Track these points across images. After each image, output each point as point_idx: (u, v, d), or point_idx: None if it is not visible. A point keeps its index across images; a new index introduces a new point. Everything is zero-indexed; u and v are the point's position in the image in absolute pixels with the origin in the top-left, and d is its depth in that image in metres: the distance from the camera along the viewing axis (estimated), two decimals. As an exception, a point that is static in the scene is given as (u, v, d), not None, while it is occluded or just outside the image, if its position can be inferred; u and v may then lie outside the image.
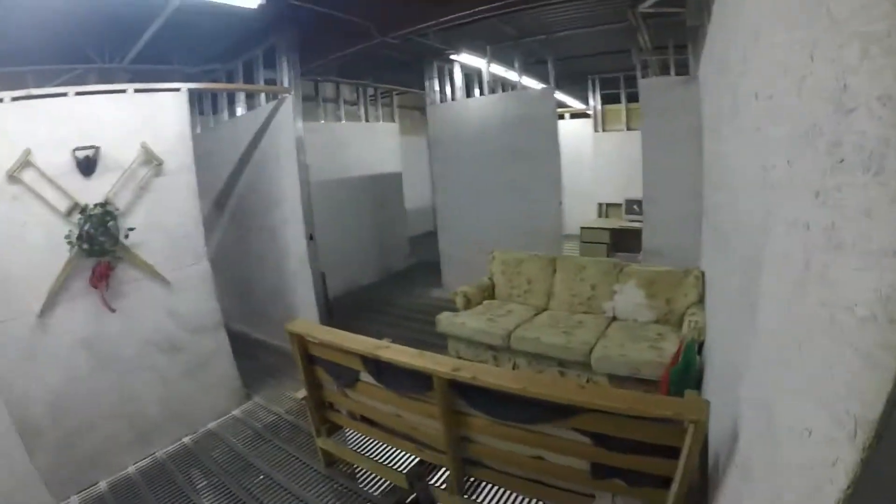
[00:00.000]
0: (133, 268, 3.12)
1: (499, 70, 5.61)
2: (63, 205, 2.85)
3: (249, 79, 4.57)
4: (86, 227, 2.87)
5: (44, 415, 2.78)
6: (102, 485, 2.93)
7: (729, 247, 1.96)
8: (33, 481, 2.65)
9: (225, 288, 4.21)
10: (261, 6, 3.28)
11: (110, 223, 2.96)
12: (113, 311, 3.01)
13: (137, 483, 2.93)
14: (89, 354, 2.97)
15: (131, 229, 3.06)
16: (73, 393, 2.88)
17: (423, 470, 2.48)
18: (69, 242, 2.83)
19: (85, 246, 2.86)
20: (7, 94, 2.77)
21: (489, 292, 4.62)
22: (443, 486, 2.38)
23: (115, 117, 3.08)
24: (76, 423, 2.89)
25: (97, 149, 2.98)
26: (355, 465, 2.86)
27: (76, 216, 2.88)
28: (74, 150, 2.91)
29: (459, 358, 3.60)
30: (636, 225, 5.73)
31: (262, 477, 2.88)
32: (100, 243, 2.91)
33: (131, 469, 3.07)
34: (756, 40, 1.35)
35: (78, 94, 2.99)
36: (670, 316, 3.61)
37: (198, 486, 2.84)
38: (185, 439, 3.36)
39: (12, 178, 2.71)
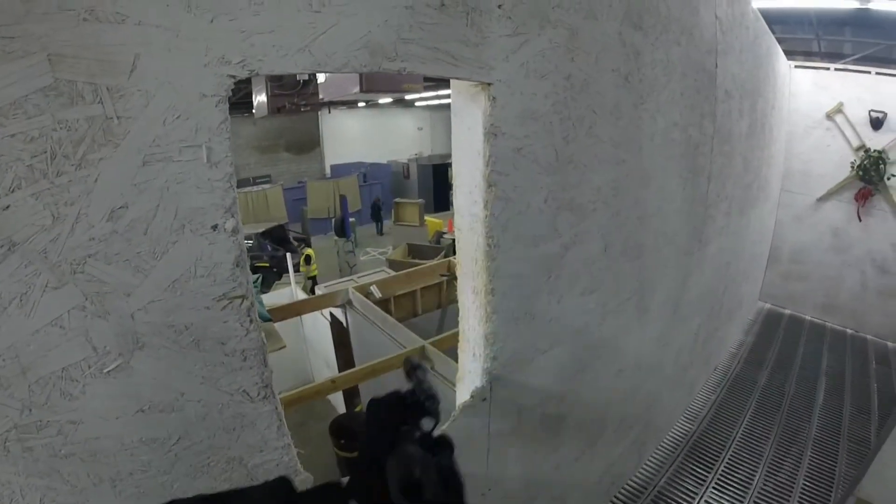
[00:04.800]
0: (885, 202, 4.00)
1: None
2: (854, 142, 3.93)
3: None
4: (865, 163, 3.84)
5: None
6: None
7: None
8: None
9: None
10: None
11: (881, 166, 3.85)
12: (860, 220, 3.99)
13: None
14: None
15: (894, 175, 3.88)
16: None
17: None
18: (852, 167, 3.90)
19: (860, 173, 3.86)
20: (831, 65, 4.00)
21: None
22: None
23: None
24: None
25: (885, 114, 3.87)
26: None
27: (860, 153, 3.91)
28: (870, 110, 3.90)
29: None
30: None
31: None
32: (870, 176, 3.85)
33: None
34: None
35: (878, 73, 3.94)
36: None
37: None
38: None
39: (828, 117, 3.94)
